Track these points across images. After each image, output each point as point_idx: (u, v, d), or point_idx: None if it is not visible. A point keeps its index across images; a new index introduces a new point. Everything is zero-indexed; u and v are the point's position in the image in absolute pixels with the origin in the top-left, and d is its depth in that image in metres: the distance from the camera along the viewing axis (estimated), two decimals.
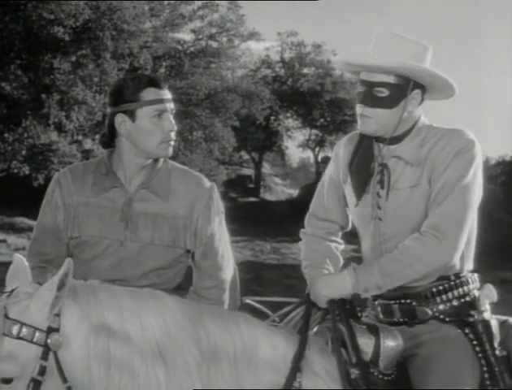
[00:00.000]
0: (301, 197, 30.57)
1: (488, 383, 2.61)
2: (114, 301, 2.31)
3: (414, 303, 2.72)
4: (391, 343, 2.58)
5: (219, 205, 3.03)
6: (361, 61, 2.77)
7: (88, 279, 2.47)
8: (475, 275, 2.79)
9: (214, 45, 28.00)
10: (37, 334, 2.21)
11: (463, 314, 2.71)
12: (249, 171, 36.42)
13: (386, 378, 2.58)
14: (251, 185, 35.41)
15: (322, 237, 2.97)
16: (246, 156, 36.72)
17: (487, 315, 2.72)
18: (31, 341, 2.20)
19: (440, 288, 2.72)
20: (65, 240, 2.98)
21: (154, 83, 2.91)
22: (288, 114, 37.08)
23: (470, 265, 2.79)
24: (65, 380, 2.22)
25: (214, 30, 27.98)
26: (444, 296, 2.72)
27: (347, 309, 2.62)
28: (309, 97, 35.30)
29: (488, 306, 2.74)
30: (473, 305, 2.72)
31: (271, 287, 14.92)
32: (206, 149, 26.23)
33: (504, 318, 2.78)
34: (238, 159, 34.34)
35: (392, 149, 2.78)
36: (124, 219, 2.92)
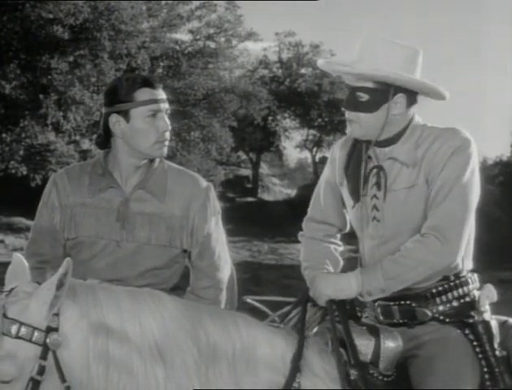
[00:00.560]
0: (299, 197, 30.52)
1: (488, 383, 2.61)
2: (114, 300, 2.31)
3: (413, 304, 2.72)
4: (391, 344, 2.58)
5: (215, 205, 3.03)
6: (341, 68, 2.77)
7: (87, 279, 2.47)
8: (475, 275, 2.79)
9: (212, 45, 27.95)
10: (36, 333, 2.20)
11: (463, 315, 2.70)
12: (246, 172, 36.36)
13: (386, 379, 2.58)
14: (249, 185, 35.37)
15: (320, 239, 2.98)
16: (244, 156, 36.67)
17: (487, 316, 2.71)
18: (30, 341, 2.20)
19: (440, 288, 2.71)
20: (62, 241, 2.99)
21: (149, 83, 2.91)
22: (286, 115, 37.03)
23: (469, 264, 2.78)
24: (64, 380, 2.22)
25: (211, 30, 27.94)
26: (443, 297, 2.71)
27: (346, 310, 2.61)
28: (306, 97, 35.25)
29: (488, 307, 2.74)
30: (473, 305, 2.72)
31: (269, 287, 14.89)
32: (204, 149, 26.18)
33: (504, 318, 2.78)
34: (236, 159, 34.25)
35: (387, 150, 2.78)
36: (121, 219, 2.93)
